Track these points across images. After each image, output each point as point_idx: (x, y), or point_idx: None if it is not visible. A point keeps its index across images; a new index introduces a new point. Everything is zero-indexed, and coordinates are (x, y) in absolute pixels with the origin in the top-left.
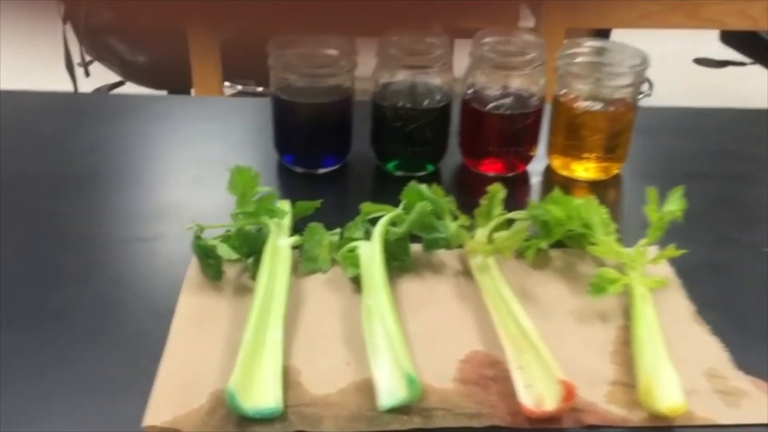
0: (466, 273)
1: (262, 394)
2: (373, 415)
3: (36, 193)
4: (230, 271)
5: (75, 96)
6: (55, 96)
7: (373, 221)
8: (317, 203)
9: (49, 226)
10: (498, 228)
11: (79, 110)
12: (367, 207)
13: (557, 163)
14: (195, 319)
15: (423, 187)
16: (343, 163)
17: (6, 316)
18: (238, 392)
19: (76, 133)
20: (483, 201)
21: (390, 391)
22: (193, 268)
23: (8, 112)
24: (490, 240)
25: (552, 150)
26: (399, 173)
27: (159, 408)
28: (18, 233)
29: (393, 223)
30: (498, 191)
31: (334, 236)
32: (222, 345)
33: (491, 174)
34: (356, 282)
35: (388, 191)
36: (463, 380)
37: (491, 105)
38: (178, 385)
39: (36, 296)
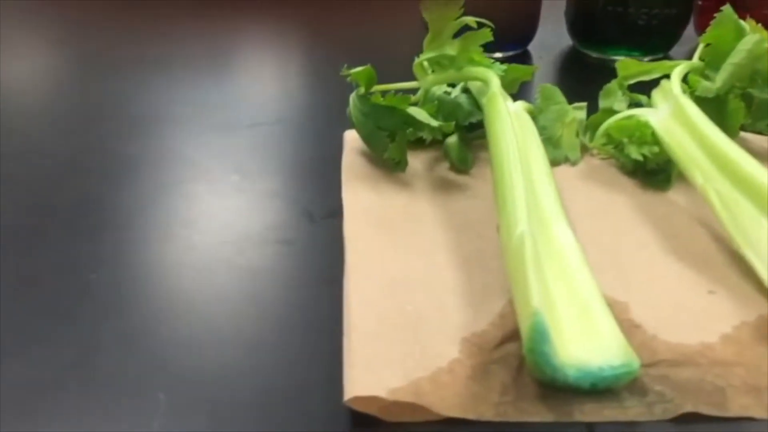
0: None
1: (587, 340)
2: None
3: None
4: (411, 161)
5: None
6: None
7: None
8: (534, 67)
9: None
10: None
11: None
12: (626, 64)
13: None
14: (382, 228)
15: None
16: (523, 49)
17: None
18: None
19: None
20: None
21: None
22: (350, 156)
23: None
24: None
25: None
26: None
27: (370, 372)
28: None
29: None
30: None
31: (579, 111)
32: (456, 263)
33: None
34: (638, 173)
35: (589, 80)
36: None
37: None
38: (394, 337)
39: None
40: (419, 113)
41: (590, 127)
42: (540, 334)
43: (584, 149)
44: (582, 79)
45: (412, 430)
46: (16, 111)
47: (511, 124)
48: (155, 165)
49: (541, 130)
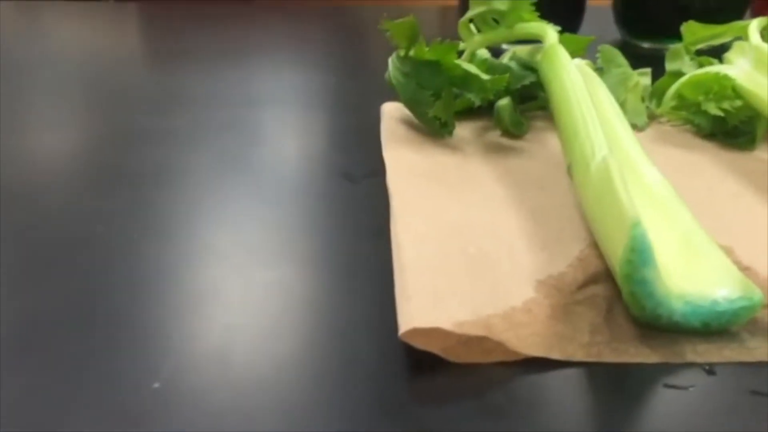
0: None
1: (695, 272)
2: None
3: None
4: (460, 130)
5: None
6: None
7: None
8: (590, 38)
9: None
10: None
11: None
12: (692, 28)
13: None
14: (432, 180)
15: None
16: None
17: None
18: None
19: None
20: None
21: None
22: (390, 123)
23: None
24: None
25: None
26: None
27: (432, 303)
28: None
29: None
30: None
31: (643, 77)
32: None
33: None
34: (718, 136)
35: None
36: None
37: None
38: (456, 274)
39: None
40: (468, 66)
41: (656, 94)
42: (640, 254)
43: (652, 117)
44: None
45: (475, 382)
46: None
47: (574, 71)
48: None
49: None
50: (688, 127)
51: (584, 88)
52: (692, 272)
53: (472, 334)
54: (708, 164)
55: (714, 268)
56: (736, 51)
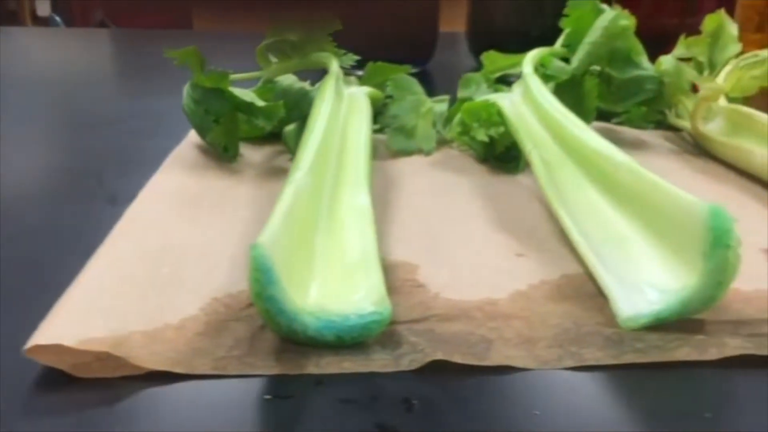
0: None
1: (337, 289)
2: (621, 336)
3: None
4: (248, 153)
5: None
6: None
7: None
8: (407, 68)
9: None
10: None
11: None
12: (492, 57)
13: None
14: (174, 204)
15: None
16: (422, 68)
17: None
18: (277, 266)
19: None
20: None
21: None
22: (184, 149)
23: None
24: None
25: None
26: None
27: (67, 322)
28: None
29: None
30: (725, 21)
31: (439, 104)
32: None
33: None
34: (489, 161)
35: None
36: None
37: None
38: (127, 294)
39: None
40: (245, 93)
41: (450, 119)
42: (264, 273)
43: (444, 142)
44: None
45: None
46: None
47: (333, 99)
48: None
49: (392, 119)
50: (472, 152)
51: (329, 116)
52: (339, 290)
53: (94, 350)
54: (465, 187)
55: (361, 286)
56: (519, 80)
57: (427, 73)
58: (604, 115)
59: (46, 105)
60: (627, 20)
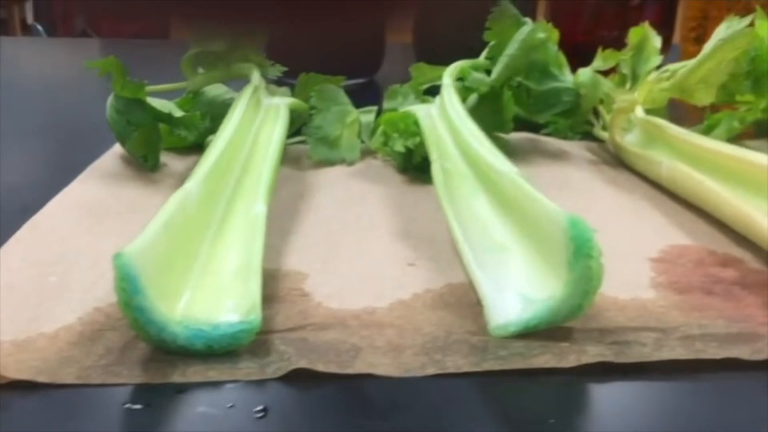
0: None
1: (210, 298)
2: (487, 343)
3: None
4: (173, 163)
5: None
6: None
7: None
8: (340, 79)
9: None
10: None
11: None
12: (420, 69)
13: None
14: (82, 214)
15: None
16: (369, 79)
17: None
18: (146, 275)
19: None
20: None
21: (517, 302)
22: (107, 159)
23: None
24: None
25: None
26: None
27: None
28: None
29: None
30: (649, 34)
31: (366, 115)
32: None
33: None
34: (408, 171)
35: None
36: (674, 286)
37: None
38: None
39: None
40: (164, 104)
41: (375, 130)
42: (130, 282)
43: (372, 153)
44: None
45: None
46: None
47: (247, 108)
48: None
49: (316, 129)
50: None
51: (238, 125)
52: (212, 299)
53: None
54: (376, 196)
55: (235, 298)
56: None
57: (374, 83)
58: (534, 127)
59: (34, 113)
60: (545, 33)
